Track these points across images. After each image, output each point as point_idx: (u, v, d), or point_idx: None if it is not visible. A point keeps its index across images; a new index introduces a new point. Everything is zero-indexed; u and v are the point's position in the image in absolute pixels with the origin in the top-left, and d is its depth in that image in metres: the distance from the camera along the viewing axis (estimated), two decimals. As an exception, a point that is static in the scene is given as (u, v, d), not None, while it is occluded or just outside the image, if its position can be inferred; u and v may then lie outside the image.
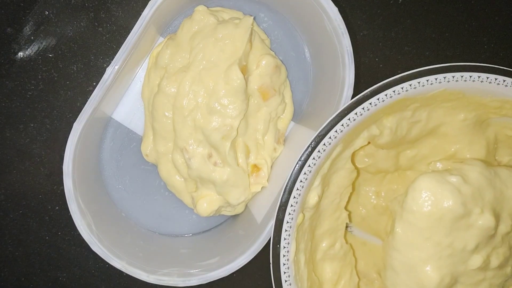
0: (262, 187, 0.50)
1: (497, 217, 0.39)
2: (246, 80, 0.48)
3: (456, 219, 0.39)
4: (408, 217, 0.39)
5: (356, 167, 0.48)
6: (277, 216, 0.42)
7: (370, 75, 0.53)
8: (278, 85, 0.50)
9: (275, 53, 0.51)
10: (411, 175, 0.49)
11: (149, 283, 0.46)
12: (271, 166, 0.51)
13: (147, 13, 0.43)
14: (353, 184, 0.48)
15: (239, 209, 0.51)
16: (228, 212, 0.51)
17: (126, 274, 0.46)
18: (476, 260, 0.39)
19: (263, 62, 0.49)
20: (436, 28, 0.53)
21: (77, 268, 0.53)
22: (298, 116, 0.53)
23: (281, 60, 0.51)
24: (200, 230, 0.53)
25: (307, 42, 0.51)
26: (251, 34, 0.48)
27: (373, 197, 0.51)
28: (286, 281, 0.42)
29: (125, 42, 0.43)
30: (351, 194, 0.48)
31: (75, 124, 0.43)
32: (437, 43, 0.53)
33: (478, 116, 0.45)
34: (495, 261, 0.40)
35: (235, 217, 0.52)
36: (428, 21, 0.53)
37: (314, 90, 0.52)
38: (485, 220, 0.39)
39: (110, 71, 0.43)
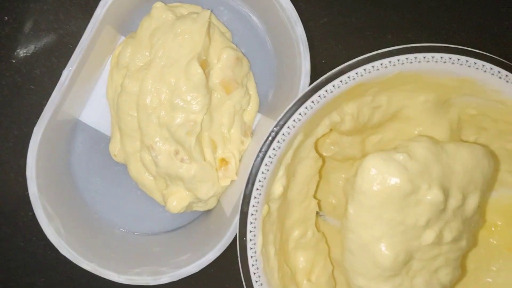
0: (231, 181, 0.50)
1: (446, 192, 0.40)
2: (207, 75, 0.48)
3: (404, 196, 0.39)
4: (359, 197, 0.40)
5: (321, 156, 0.48)
6: (241, 209, 0.42)
7: (334, 62, 0.53)
8: (240, 78, 0.50)
9: (237, 45, 0.51)
10: (378, 161, 0.49)
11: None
12: (240, 159, 0.51)
13: (99, 12, 0.43)
14: (320, 172, 0.48)
15: (211, 204, 0.51)
16: (200, 207, 0.51)
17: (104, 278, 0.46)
18: (429, 235, 0.40)
19: (224, 55, 0.49)
20: (397, 11, 0.53)
21: (54, 272, 0.53)
22: (264, 108, 0.52)
23: (243, 53, 0.51)
24: (174, 227, 0.53)
25: (267, 33, 0.51)
26: (208, 27, 0.48)
27: (342, 185, 0.51)
28: (255, 273, 0.42)
29: (79, 44, 0.43)
30: (319, 182, 0.49)
31: (35, 129, 0.43)
32: (398, 25, 0.53)
33: (439, 97, 0.45)
34: (448, 235, 0.40)
35: (207, 212, 0.53)
36: (388, 4, 0.53)
37: (278, 80, 0.52)
38: (433, 195, 0.39)
39: (66, 73, 0.43)
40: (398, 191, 0.39)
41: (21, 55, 0.51)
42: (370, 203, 0.39)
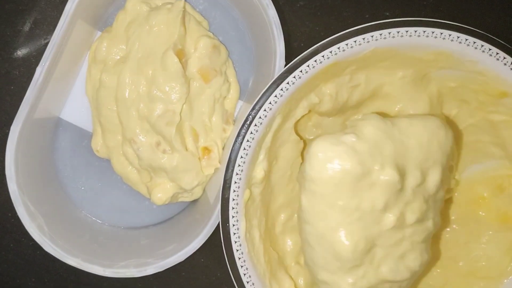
0: (215, 169, 0.50)
1: (401, 170, 0.38)
2: (185, 64, 0.48)
3: (356, 179, 0.37)
4: (310, 186, 0.37)
5: (303, 138, 0.47)
6: (222, 194, 0.42)
7: (312, 44, 0.51)
8: (219, 66, 0.50)
9: (214, 34, 0.51)
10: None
11: (126, 281, 0.47)
12: (223, 147, 0.50)
13: (70, 7, 0.43)
14: (303, 154, 0.48)
15: (196, 194, 0.51)
16: (186, 198, 0.51)
17: (102, 276, 0.46)
18: (389, 219, 0.37)
19: (200, 44, 0.49)
20: (373, -10, 0.53)
21: (45, 271, 0.53)
22: (246, 95, 0.52)
23: (220, 41, 0.51)
24: (162, 219, 0.53)
25: (244, 20, 0.51)
26: (183, 17, 0.48)
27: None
28: (239, 258, 0.42)
29: (51, 39, 0.43)
30: (301, 164, 0.48)
31: (12, 127, 0.43)
32: (375, 4, 0.53)
33: (417, 72, 0.45)
34: (411, 217, 0.38)
35: (194, 202, 0.52)
36: (364, -17, 0.53)
37: (257, 66, 0.51)
38: (387, 175, 0.37)
39: (40, 70, 0.43)
40: (349, 175, 0.36)
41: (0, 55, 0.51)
42: (321, 191, 0.37)
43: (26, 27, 0.51)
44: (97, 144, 0.50)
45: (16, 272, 0.53)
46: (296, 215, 0.48)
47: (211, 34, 0.50)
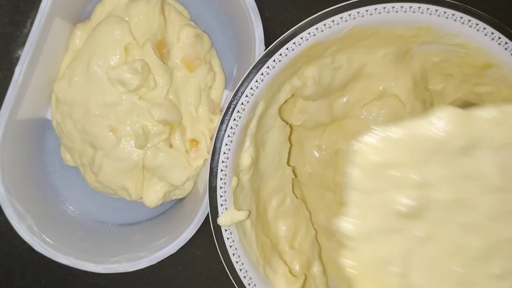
0: (204, 160, 0.49)
1: None
2: (167, 54, 0.47)
3: None
4: None
5: (288, 123, 0.47)
6: (209, 183, 0.41)
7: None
8: (202, 55, 0.49)
9: (196, 23, 0.51)
10: (348, 123, 0.49)
11: (126, 279, 0.46)
12: (211, 138, 0.50)
13: (45, 5, 0.42)
14: (290, 139, 0.48)
15: (188, 189, 0.50)
16: (179, 195, 0.50)
17: (100, 274, 0.46)
18: None
19: (183, 33, 0.48)
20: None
21: (42, 273, 0.53)
22: (231, 85, 0.52)
23: (203, 30, 0.50)
24: (154, 214, 0.53)
25: (223, 8, 0.51)
26: (162, 7, 0.47)
27: (315, 152, 0.51)
28: (230, 246, 0.42)
29: (27, 39, 0.43)
30: (291, 150, 0.48)
31: (-5, 130, 0.43)
32: (355, -15, 0.53)
33: (399, 49, 0.45)
34: None
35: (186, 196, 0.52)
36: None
37: (240, 54, 0.51)
38: None
39: (19, 70, 0.43)
40: None
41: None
42: None
43: (26, 28, 0.51)
44: (66, 152, 0.49)
45: (13, 276, 0.53)
46: (288, 200, 0.47)
47: (193, 24, 0.50)
